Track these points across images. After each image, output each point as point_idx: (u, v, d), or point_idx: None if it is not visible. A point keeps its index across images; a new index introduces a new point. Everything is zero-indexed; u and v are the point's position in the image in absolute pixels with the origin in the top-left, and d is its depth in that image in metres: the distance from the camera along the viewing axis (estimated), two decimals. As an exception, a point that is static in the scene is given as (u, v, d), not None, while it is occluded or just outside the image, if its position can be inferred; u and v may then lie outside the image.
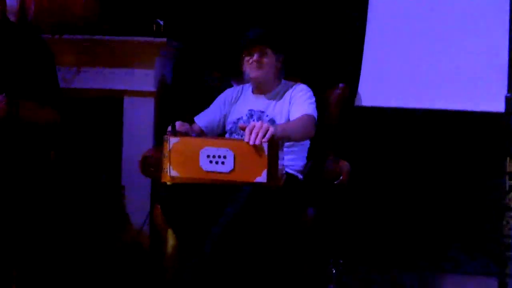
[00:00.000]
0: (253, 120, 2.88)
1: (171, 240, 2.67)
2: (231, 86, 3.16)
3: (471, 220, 3.33)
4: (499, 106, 3.07)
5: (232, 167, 2.36)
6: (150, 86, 3.28)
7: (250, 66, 2.86)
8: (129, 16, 3.35)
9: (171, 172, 2.43)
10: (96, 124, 3.34)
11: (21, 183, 2.54)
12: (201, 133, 2.93)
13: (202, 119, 2.97)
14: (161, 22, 3.26)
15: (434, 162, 3.33)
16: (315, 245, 2.71)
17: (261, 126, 2.35)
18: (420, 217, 3.34)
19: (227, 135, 2.95)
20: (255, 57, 2.85)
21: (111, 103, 3.31)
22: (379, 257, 3.33)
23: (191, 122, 2.90)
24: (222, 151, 2.37)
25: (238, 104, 2.99)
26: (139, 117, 3.27)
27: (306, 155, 2.91)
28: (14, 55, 2.60)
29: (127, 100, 3.29)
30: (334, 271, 2.90)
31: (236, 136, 2.89)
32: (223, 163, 2.37)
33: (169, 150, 2.43)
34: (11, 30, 2.65)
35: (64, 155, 3.12)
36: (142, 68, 3.25)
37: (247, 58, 2.87)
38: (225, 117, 2.99)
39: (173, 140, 2.43)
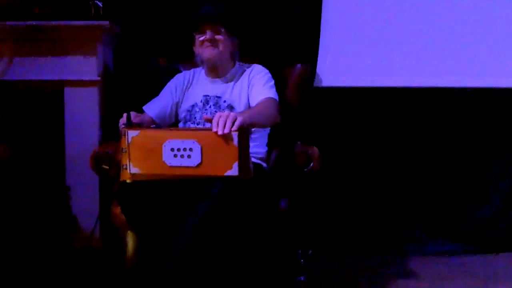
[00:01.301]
0: (209, 107, 2.69)
1: (131, 242, 2.46)
2: (179, 71, 2.94)
3: (432, 202, 3.28)
4: (459, 82, 3.05)
5: (200, 160, 2.15)
6: (93, 75, 3.02)
7: (203, 45, 2.65)
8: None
9: (131, 169, 2.20)
10: (34, 120, 3.05)
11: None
12: (152, 124, 2.71)
13: (152, 108, 2.74)
14: (100, 4, 2.99)
15: (396, 142, 3.26)
16: (285, 236, 2.55)
17: (228, 115, 2.16)
18: (383, 200, 3.27)
19: (180, 124, 2.74)
20: (208, 35, 2.64)
21: (50, 96, 3.03)
22: (346, 243, 3.23)
23: (140, 112, 2.68)
24: (187, 143, 2.15)
25: (191, 90, 2.78)
26: (82, 109, 3.01)
27: (267, 141, 2.75)
28: None
29: (68, 91, 3.01)
30: (303, 262, 2.77)
31: (191, 125, 2.68)
32: (189, 156, 2.15)
33: (128, 145, 2.20)
34: None
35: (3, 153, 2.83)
36: (83, 56, 2.99)
37: (199, 37, 2.66)
38: (177, 104, 2.77)
39: (131, 133, 2.20)
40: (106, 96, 3.08)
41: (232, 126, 2.13)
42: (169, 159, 2.17)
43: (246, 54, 2.82)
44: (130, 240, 2.45)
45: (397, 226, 3.27)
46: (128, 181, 2.22)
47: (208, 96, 2.71)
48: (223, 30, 2.66)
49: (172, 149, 2.17)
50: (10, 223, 2.91)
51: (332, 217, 3.26)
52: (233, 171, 2.14)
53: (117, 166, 2.47)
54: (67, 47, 2.99)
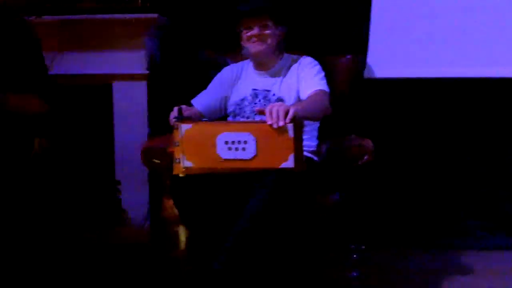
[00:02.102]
0: (259, 100, 2.64)
1: (182, 237, 2.44)
2: (226, 64, 2.90)
3: (489, 195, 3.18)
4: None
5: (255, 153, 2.11)
6: (141, 69, 2.99)
7: (250, 40, 2.60)
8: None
9: (185, 162, 2.18)
10: (83, 114, 3.05)
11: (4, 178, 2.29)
12: (201, 117, 2.68)
13: (201, 102, 2.70)
14: (147, -4, 2.98)
15: (450, 135, 3.15)
16: (338, 231, 2.51)
17: (281, 106, 2.11)
18: (437, 194, 3.18)
19: (229, 118, 2.70)
20: (255, 30, 2.58)
21: (99, 90, 3.03)
22: (397, 238, 3.15)
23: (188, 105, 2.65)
24: (242, 136, 2.12)
25: (240, 83, 2.73)
26: (130, 103, 3.00)
27: (317, 135, 2.69)
28: None
29: (116, 85, 3.00)
30: (355, 257, 2.72)
31: (240, 119, 2.65)
32: (243, 149, 2.12)
33: (181, 138, 2.18)
34: None
35: (51, 148, 2.82)
36: (131, 49, 2.97)
37: (245, 32, 2.61)
38: (226, 98, 2.73)
39: (185, 126, 2.18)
40: (153, 89, 3.06)
41: (285, 118, 2.09)
42: (223, 152, 2.14)
43: (293, 44, 2.75)
44: (182, 235, 2.44)
45: (453, 219, 3.17)
46: (181, 175, 2.20)
47: (257, 90, 2.66)
48: (270, 23, 2.60)
49: (226, 142, 2.13)
50: (59, 216, 2.90)
51: (385, 211, 3.18)
52: (289, 163, 2.10)
53: (168, 160, 2.46)
54: (115, 40, 2.98)
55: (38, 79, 2.37)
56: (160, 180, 2.58)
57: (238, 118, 2.66)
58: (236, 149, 2.13)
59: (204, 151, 2.15)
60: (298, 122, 2.13)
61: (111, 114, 3.03)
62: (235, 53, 2.84)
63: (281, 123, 2.08)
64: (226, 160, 2.14)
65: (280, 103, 2.16)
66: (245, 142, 2.12)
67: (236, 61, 2.83)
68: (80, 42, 3.00)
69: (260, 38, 2.59)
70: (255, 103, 2.64)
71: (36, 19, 2.83)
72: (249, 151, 2.12)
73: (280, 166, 2.10)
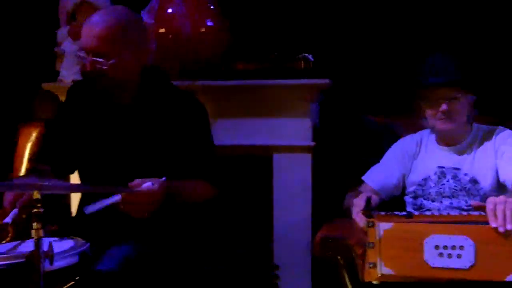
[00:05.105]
0: (447, 181, 2.26)
1: None
2: (400, 132, 2.52)
3: None
4: None
5: (473, 261, 1.74)
6: (306, 139, 2.67)
7: (435, 116, 2.23)
8: (265, 51, 2.78)
9: (383, 269, 1.81)
10: (239, 188, 2.75)
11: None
12: (376, 198, 2.28)
13: (375, 179, 2.34)
14: (311, 57, 2.65)
15: None
16: None
17: (506, 203, 1.74)
18: None
19: (408, 199, 2.32)
20: (443, 106, 2.19)
21: (257, 162, 2.74)
22: None
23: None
24: (457, 240, 1.75)
25: (421, 159, 2.35)
26: (293, 179, 2.68)
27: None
28: (167, 123, 2.06)
29: (277, 157, 2.70)
30: None
31: (424, 202, 2.28)
32: (459, 256, 1.74)
33: (378, 240, 1.81)
34: (157, 87, 2.12)
35: (204, 226, 2.55)
36: (294, 117, 2.66)
37: (430, 107, 2.22)
38: (404, 176, 2.35)
39: (383, 226, 1.81)
40: (318, 162, 2.73)
41: None
42: (432, 259, 1.77)
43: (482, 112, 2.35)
44: None
45: None
46: (375, 282, 1.84)
47: (444, 167, 2.28)
48: (460, 94, 2.20)
49: (437, 247, 1.76)
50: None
51: None
52: (517, 275, 1.71)
53: (346, 255, 2.11)
54: (275, 107, 2.69)
55: (209, 161, 2.10)
56: (333, 275, 2.21)
57: (421, 201, 2.29)
58: (450, 255, 1.75)
59: (408, 256, 1.79)
60: (528, 223, 1.73)
61: (271, 190, 2.72)
62: (410, 119, 2.48)
63: (509, 227, 1.70)
64: (435, 268, 1.77)
65: (503, 197, 1.76)
66: (461, 247, 1.75)
67: (411, 129, 2.46)
68: (236, 109, 2.74)
69: (449, 115, 2.21)
70: (443, 184, 2.27)
71: (191, 85, 2.57)
72: (466, 259, 1.74)
73: (506, 279, 1.72)
